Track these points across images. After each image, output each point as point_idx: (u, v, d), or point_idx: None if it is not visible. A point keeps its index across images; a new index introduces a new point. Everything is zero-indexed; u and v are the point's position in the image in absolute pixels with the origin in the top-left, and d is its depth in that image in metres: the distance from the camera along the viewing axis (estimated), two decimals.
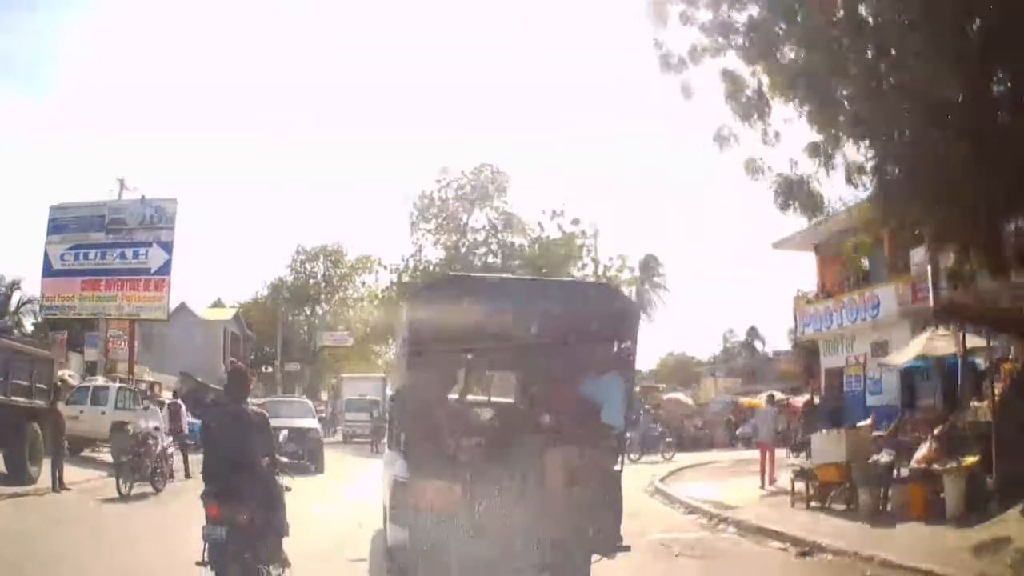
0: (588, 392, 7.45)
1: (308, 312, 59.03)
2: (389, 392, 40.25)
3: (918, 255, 17.10)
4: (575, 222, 37.53)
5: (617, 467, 7.15)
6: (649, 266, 49.02)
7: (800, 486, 12.98)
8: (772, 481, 15.71)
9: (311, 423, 20.72)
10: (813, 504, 12.67)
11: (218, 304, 56.62)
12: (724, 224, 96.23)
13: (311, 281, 58.36)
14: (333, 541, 9.35)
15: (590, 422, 7.22)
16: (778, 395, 23.98)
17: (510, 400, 9.19)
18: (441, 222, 38.66)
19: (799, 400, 31.14)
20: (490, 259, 36.85)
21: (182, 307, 47.96)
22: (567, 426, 7.25)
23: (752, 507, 13.20)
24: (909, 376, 18.48)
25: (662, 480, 17.41)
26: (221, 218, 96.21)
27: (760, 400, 23.04)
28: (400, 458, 7.12)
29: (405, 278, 37.96)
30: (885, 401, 19.36)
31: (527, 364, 8.51)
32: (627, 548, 6.96)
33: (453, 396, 8.34)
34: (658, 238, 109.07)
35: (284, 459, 6.90)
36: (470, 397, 8.77)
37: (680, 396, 33.90)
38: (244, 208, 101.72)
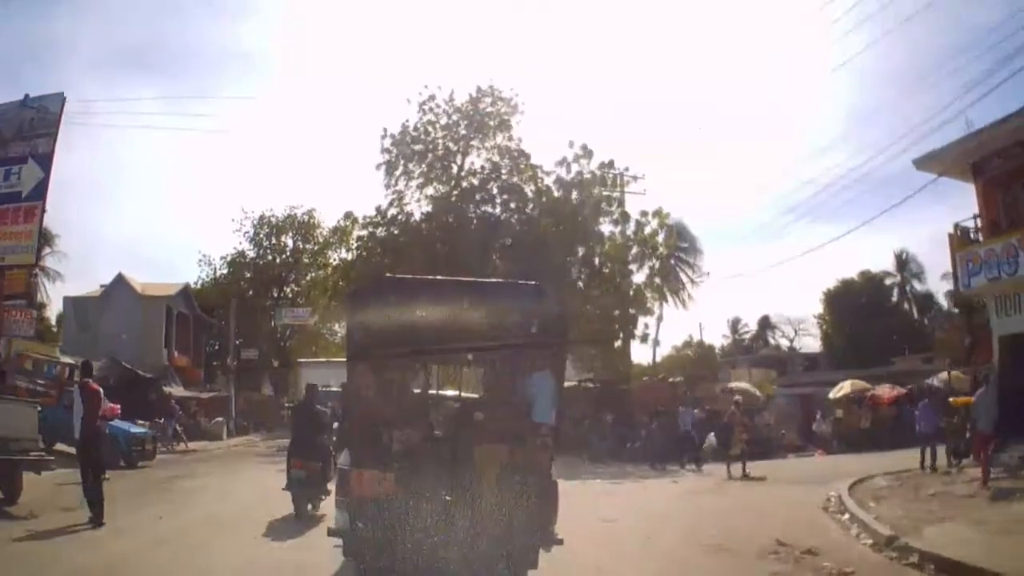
0: (519, 390, 7.75)
1: (276, 294, 51.40)
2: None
3: None
4: (606, 165, 29.09)
5: (550, 462, 7.38)
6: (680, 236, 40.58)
7: None
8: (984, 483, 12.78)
9: None
10: None
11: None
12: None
13: (278, 259, 50.71)
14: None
15: (521, 419, 7.45)
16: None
17: (460, 394, 9.52)
18: (428, 164, 29.99)
19: (889, 391, 25.17)
20: (490, 209, 29.02)
21: (119, 280, 40.75)
22: (498, 422, 7.41)
23: None
24: None
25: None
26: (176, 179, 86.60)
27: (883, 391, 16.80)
28: (345, 449, 7.81)
29: (380, 233, 29.81)
30: None
31: (460, 362, 9.54)
32: (560, 542, 7.09)
33: (416, 391, 9.06)
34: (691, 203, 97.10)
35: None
36: (429, 392, 9.39)
37: (747, 387, 26.92)
38: (197, 162, 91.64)
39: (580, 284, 27.36)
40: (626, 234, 28.64)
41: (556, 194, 28.12)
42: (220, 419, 34.92)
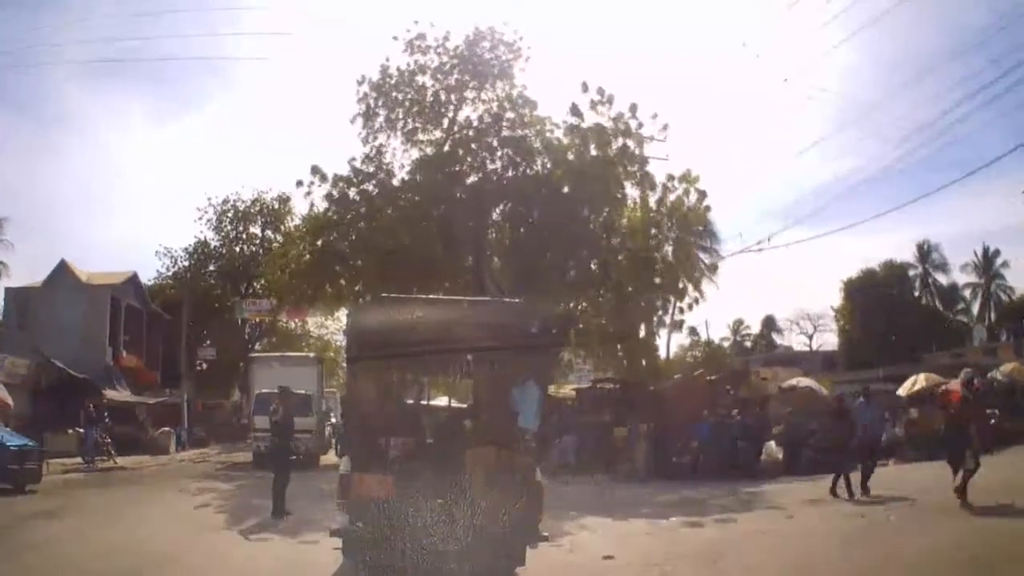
0: (508, 399, 8.37)
1: (244, 289, 45.97)
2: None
3: None
4: (629, 112, 23.22)
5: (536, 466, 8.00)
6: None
7: None
8: None
9: None
10: None
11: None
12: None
13: (245, 250, 45.28)
14: None
15: (509, 426, 8.14)
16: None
17: (451, 404, 10.50)
18: (415, 114, 24.15)
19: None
20: (490, 166, 23.30)
21: (61, 269, 35.47)
22: (488, 429, 8.21)
23: None
24: None
25: None
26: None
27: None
28: (346, 456, 8.35)
29: (352, 193, 23.66)
30: None
31: (452, 374, 10.17)
32: (545, 538, 7.72)
33: (409, 400, 9.87)
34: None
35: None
36: (423, 402, 10.30)
37: (812, 383, 21.95)
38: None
39: (613, 258, 22.15)
40: (648, 203, 23.64)
41: (566, 142, 22.88)
42: (167, 429, 29.76)
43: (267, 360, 28.56)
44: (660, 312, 23.54)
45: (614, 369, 25.20)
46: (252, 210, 44.98)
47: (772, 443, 18.81)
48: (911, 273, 56.51)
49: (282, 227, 43.39)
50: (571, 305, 23.85)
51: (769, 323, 70.55)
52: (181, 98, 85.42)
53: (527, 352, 8.52)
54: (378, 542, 7.27)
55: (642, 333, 24.52)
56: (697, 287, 23.55)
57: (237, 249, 45.36)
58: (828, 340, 61.62)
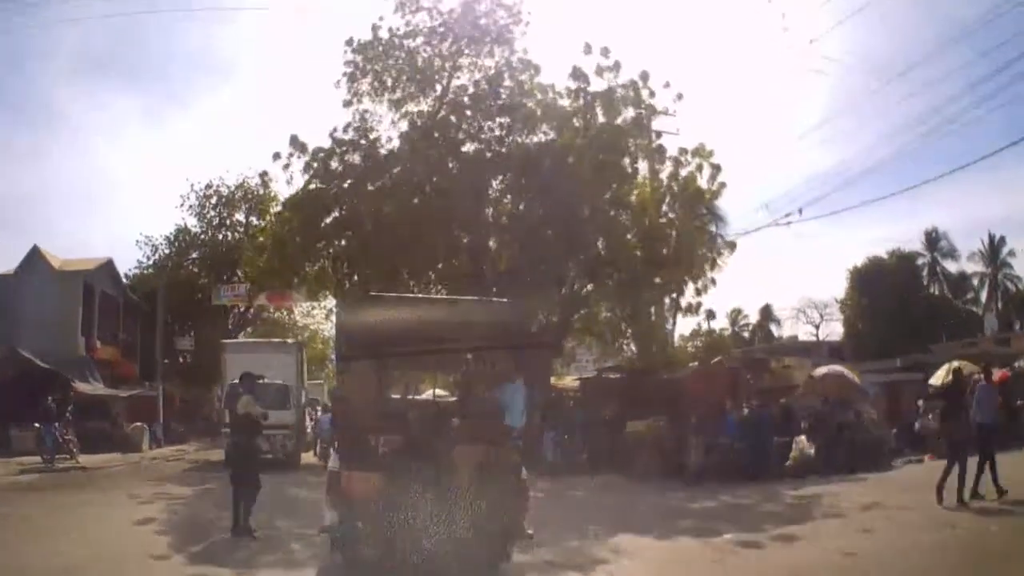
0: (494, 397, 8.73)
1: (227, 278, 43.79)
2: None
3: None
4: (639, 81, 21.15)
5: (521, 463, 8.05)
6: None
7: None
8: None
9: None
10: None
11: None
12: None
13: (230, 237, 43.12)
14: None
15: (495, 424, 8.23)
16: None
17: (436, 400, 10.77)
18: (407, 79, 21.56)
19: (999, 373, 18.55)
20: (486, 134, 21.01)
21: (34, 254, 33.54)
22: (474, 427, 8.16)
23: None
24: None
25: None
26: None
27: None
28: (334, 453, 8.33)
29: (334, 164, 21.23)
30: None
31: (443, 372, 11.10)
32: (530, 536, 7.66)
33: (397, 396, 10.34)
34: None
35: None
36: (409, 398, 10.75)
37: (844, 371, 20.03)
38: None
39: (623, 235, 20.13)
40: (658, 176, 21.68)
41: (570, 108, 20.90)
42: (139, 424, 27.76)
43: (241, 346, 26.11)
44: (674, 294, 21.64)
45: (622, 357, 23.26)
46: (236, 195, 42.84)
47: (804, 437, 16.98)
48: (919, 262, 54.96)
49: (268, 213, 41.38)
50: (574, 287, 21.99)
51: (767, 313, 68.68)
52: (168, 90, 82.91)
53: (513, 351, 8.92)
54: (366, 539, 7.42)
55: (652, 317, 22.57)
56: (713, 267, 21.52)
57: (220, 236, 43.29)
58: (835, 330, 59.76)
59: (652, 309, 22.92)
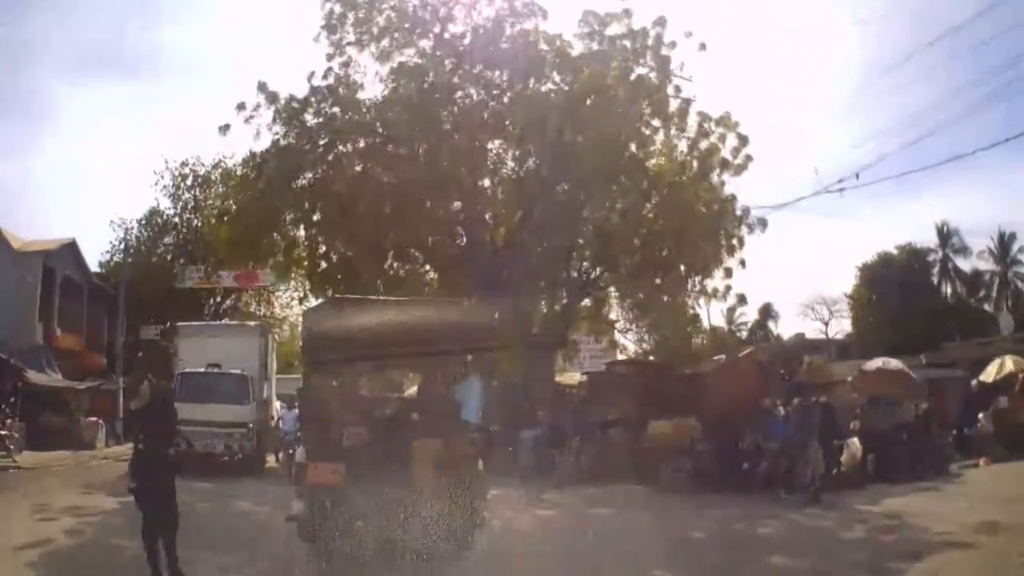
0: (451, 394, 9.27)
1: (208, 268, 41.04)
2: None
3: None
4: (655, 29, 18.44)
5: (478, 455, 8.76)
6: None
7: None
8: None
9: None
10: None
11: None
12: None
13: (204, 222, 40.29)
14: None
15: (452, 419, 8.76)
16: None
17: (400, 396, 12.12)
18: (394, 28, 18.57)
19: None
20: (485, 80, 18.20)
21: None
22: (433, 422, 8.60)
23: None
24: None
25: None
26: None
27: None
28: (301, 447, 9.16)
29: (309, 118, 18.22)
30: None
31: (404, 368, 12.23)
32: (488, 520, 8.32)
33: (363, 393, 10.41)
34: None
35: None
36: (373, 395, 11.04)
37: (900, 365, 17.56)
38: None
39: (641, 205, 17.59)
40: (672, 142, 19.16)
41: (576, 52, 18.08)
42: (94, 420, 25.17)
43: (196, 329, 22.32)
44: (699, 277, 19.08)
45: (634, 351, 20.79)
46: (213, 175, 40.05)
47: (855, 440, 14.54)
48: (930, 258, 53.07)
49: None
50: (582, 267, 19.56)
51: (767, 311, 66.28)
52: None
53: (470, 350, 9.44)
54: (331, 528, 7.53)
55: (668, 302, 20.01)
56: (742, 246, 19.02)
57: (196, 222, 40.47)
58: (844, 327, 57.64)
59: (665, 298, 20.37)
